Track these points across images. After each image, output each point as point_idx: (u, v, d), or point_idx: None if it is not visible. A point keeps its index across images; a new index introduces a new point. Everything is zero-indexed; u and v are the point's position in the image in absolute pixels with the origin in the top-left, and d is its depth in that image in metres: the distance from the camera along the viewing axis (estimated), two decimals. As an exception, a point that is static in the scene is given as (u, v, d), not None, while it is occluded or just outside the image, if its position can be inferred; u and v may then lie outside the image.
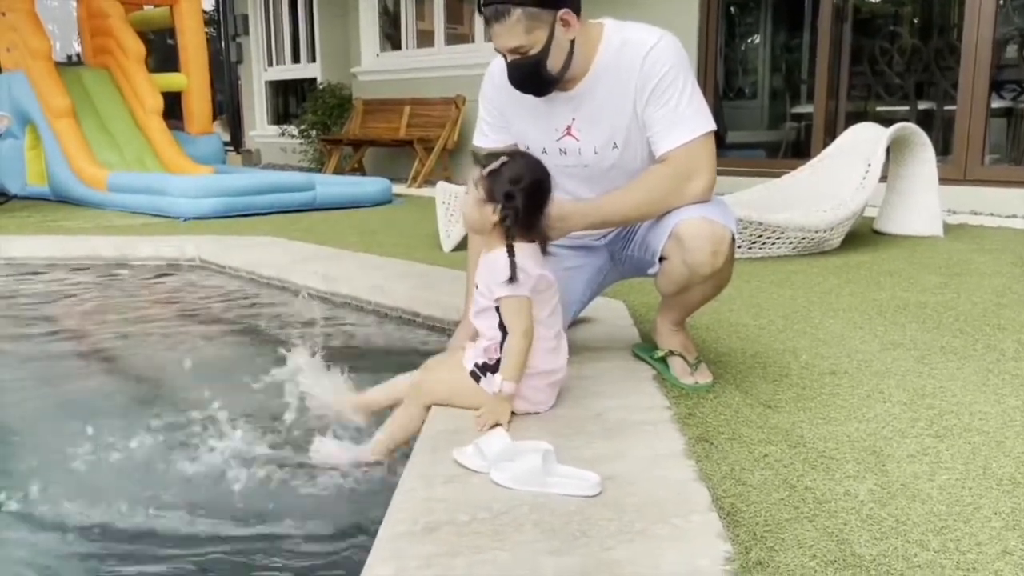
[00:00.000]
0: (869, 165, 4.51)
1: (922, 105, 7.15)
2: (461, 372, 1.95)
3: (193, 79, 8.35)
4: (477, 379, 1.92)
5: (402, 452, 1.96)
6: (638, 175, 2.11)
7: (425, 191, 7.82)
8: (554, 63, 2.02)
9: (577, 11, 2.02)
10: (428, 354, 2.93)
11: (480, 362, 1.93)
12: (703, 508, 1.48)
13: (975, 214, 5.53)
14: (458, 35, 9.12)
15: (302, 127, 9.98)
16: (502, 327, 1.89)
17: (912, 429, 1.92)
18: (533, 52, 2.00)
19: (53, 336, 3.36)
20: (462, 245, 4.49)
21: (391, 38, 9.79)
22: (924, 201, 4.80)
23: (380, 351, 3.02)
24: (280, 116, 11.70)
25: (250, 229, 5.49)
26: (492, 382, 1.88)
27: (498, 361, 1.91)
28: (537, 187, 1.91)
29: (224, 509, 1.86)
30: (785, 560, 1.34)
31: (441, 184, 4.92)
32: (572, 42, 2.03)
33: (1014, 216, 5.43)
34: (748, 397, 2.13)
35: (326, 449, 2.01)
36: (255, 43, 11.63)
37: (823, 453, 1.78)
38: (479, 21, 8.50)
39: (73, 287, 4.21)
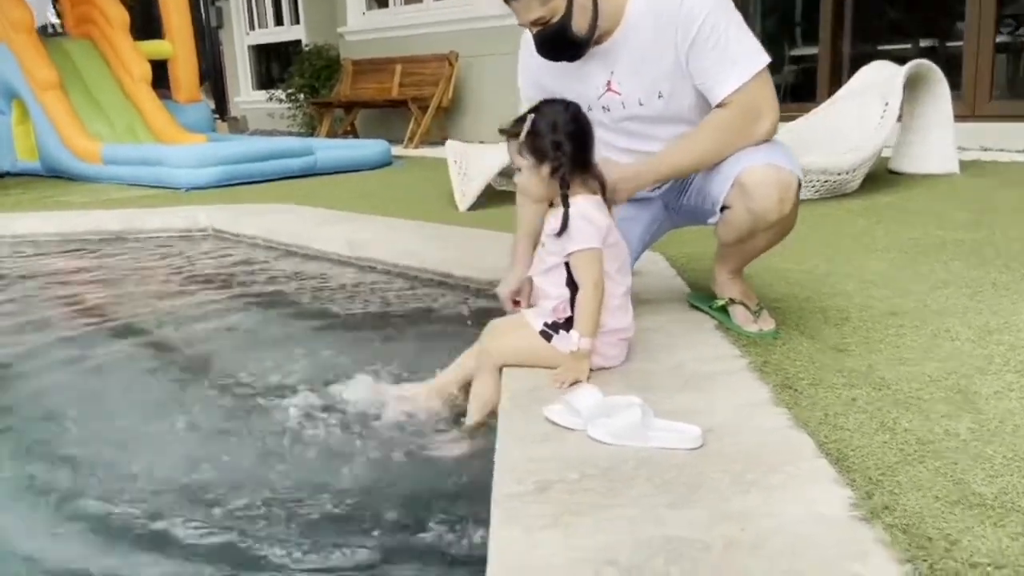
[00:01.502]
0: (887, 104, 4.45)
1: (924, 43, 7.07)
2: (530, 332, 1.91)
3: (178, 46, 8.14)
4: (548, 338, 1.88)
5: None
6: (693, 122, 2.05)
7: (424, 151, 7.72)
8: (579, 25, 1.96)
9: None
10: (471, 315, 2.93)
11: (550, 321, 1.89)
12: (810, 455, 1.45)
13: (985, 150, 5.50)
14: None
15: (289, 91, 9.80)
16: (570, 284, 1.84)
17: (990, 366, 1.90)
18: (555, 19, 1.94)
19: (103, 318, 3.24)
20: (478, 204, 4.43)
21: (377, -4, 9.58)
22: (940, 138, 4.77)
23: (422, 315, 2.97)
24: (265, 81, 11.48)
25: (254, 197, 5.39)
26: (566, 339, 1.83)
27: (568, 319, 1.87)
28: (577, 124, 1.86)
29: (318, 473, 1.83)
30: (909, 503, 1.32)
31: (450, 143, 4.84)
32: (595, 1, 1.96)
33: (1022, 151, 5.41)
34: (816, 342, 2.10)
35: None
36: (235, 7, 11.36)
37: (910, 394, 1.75)
38: (469, -26, 8.32)
39: (99, 262, 4.11)
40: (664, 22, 1.96)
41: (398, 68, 8.53)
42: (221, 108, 12.27)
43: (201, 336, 2.90)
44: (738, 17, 1.97)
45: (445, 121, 8.33)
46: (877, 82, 4.65)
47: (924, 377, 1.85)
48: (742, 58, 1.94)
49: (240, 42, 11.53)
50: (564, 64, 2.06)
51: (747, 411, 1.65)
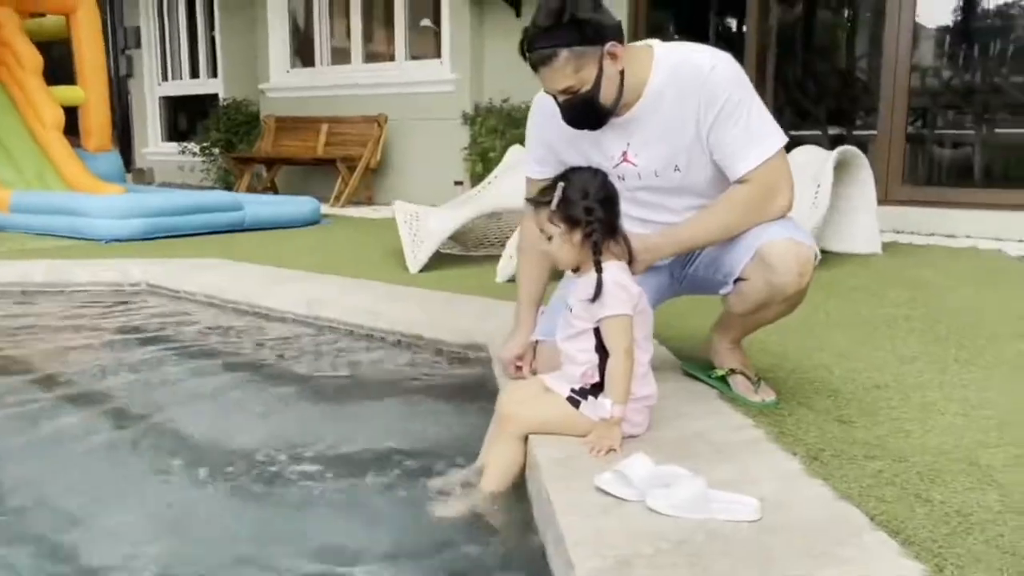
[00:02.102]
0: (819, 186, 4.70)
1: (833, 131, 7.54)
2: (556, 399, 1.88)
3: (91, 92, 7.83)
4: (576, 404, 1.85)
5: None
6: (707, 195, 2.11)
7: (350, 211, 7.63)
8: (606, 96, 2.00)
9: (622, 40, 2.00)
10: (447, 380, 2.87)
11: (577, 387, 1.86)
12: (867, 527, 1.47)
13: (898, 232, 5.85)
14: (374, 53, 8.96)
15: (204, 144, 9.56)
16: (599, 349, 1.83)
17: (988, 439, 1.98)
18: (584, 90, 1.98)
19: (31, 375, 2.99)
20: (429, 267, 4.39)
21: (301, 54, 9.52)
22: (865, 220, 5.05)
23: (395, 380, 2.88)
24: (176, 133, 11.16)
25: (181, 251, 5.17)
26: (597, 406, 1.81)
27: (594, 386, 1.85)
28: (607, 190, 1.89)
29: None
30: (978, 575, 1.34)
31: (399, 204, 4.81)
32: (621, 72, 2.00)
33: (933, 234, 5.78)
34: (818, 414, 2.15)
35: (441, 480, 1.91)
36: (148, 56, 11.07)
37: (930, 467, 1.81)
38: (401, 39, 8.41)
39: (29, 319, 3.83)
40: (686, 95, 2.01)
41: (324, 127, 8.46)
42: (126, 159, 11.82)
43: (170, 404, 2.68)
44: (757, 96, 2.05)
45: (371, 181, 8.28)
46: (808, 165, 4.90)
47: (934, 450, 1.91)
48: (763, 136, 2.01)
49: (151, 93, 11.21)
50: (582, 132, 2.09)
51: (787, 483, 1.66)
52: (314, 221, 6.72)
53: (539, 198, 1.89)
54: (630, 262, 1.90)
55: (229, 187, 9.00)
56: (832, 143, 7.34)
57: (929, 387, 2.40)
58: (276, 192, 8.79)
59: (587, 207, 1.83)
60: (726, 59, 2.04)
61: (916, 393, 2.34)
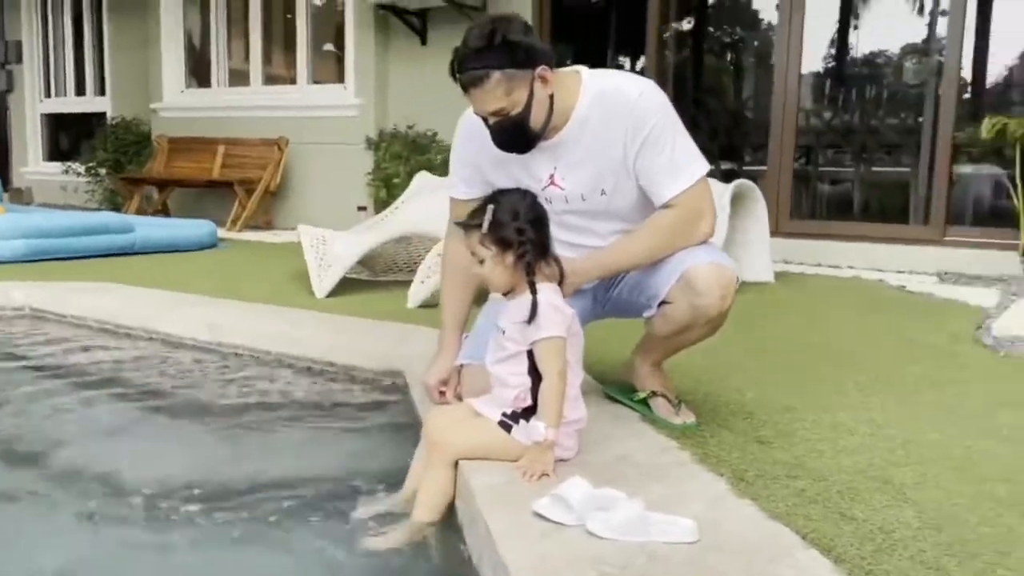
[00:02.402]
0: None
1: (725, 166, 7.84)
2: (487, 423, 1.85)
3: (-32, 106, 7.37)
4: (508, 428, 1.83)
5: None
6: (631, 220, 2.14)
7: (248, 235, 7.41)
8: (536, 120, 2.02)
9: (552, 65, 2.03)
10: (364, 407, 2.80)
11: (509, 411, 1.84)
12: (799, 545, 1.51)
13: (787, 263, 6.10)
14: (274, 76, 8.79)
15: (90, 164, 9.12)
16: (531, 372, 1.82)
17: (895, 458, 2.07)
18: (515, 112, 1.99)
19: None
20: (336, 292, 4.29)
21: (197, 74, 9.24)
22: (759, 251, 5.25)
23: (308, 408, 2.78)
24: (59, 152, 10.61)
25: (67, 275, 4.88)
26: (530, 430, 1.80)
27: (526, 409, 1.84)
28: (536, 211, 1.90)
29: None
30: (907, 589, 1.39)
31: (304, 228, 4.69)
32: (551, 96, 2.03)
33: (819, 265, 6.06)
34: (737, 435, 2.20)
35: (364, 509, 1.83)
36: (30, 72, 10.51)
37: (848, 485, 1.87)
38: (304, 62, 8.28)
39: None
40: (614, 120, 2.04)
41: (221, 149, 8.22)
42: (3, 178, 11.16)
43: (61, 438, 2.49)
44: (680, 123, 2.10)
45: (270, 205, 8.07)
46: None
47: (849, 468, 1.98)
48: (687, 163, 2.06)
49: (32, 110, 10.64)
50: (511, 154, 2.09)
51: (718, 503, 1.68)
52: (211, 245, 6.48)
53: (469, 221, 1.88)
54: (560, 284, 1.90)
55: (116, 209, 8.60)
56: (725, 177, 7.66)
57: (836, 408, 2.49)
58: (168, 215, 8.46)
59: (518, 228, 1.83)
60: (652, 87, 2.09)
61: (825, 414, 2.42)
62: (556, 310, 1.79)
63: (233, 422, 2.67)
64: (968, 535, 1.63)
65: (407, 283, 4.24)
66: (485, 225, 1.83)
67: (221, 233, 7.08)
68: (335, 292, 4.29)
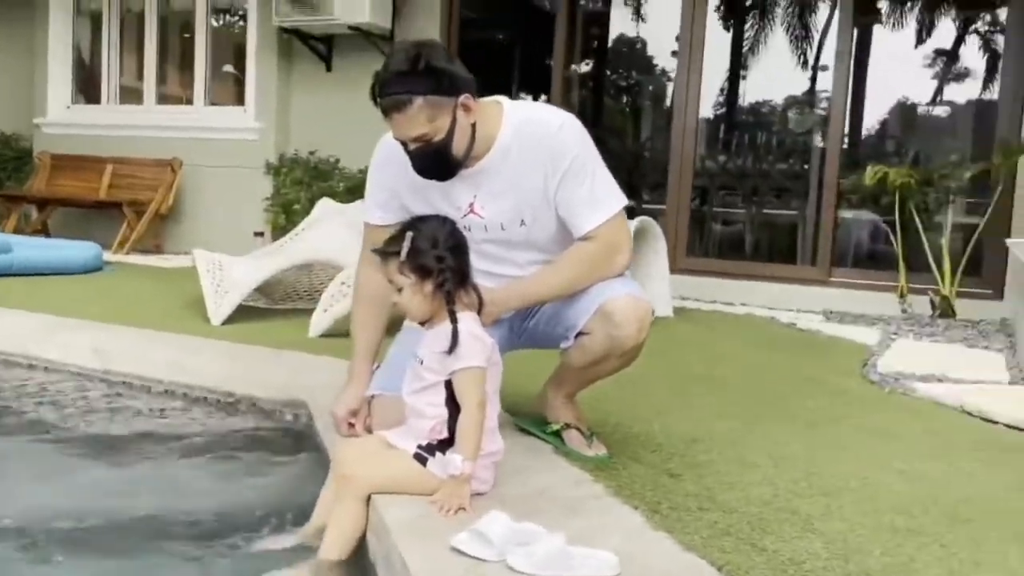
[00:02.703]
0: (622, 252, 4.95)
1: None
2: (401, 456, 1.80)
3: None
4: (423, 461, 1.79)
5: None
6: (550, 251, 2.15)
7: (136, 258, 7.08)
8: (458, 147, 2.01)
9: (475, 94, 2.03)
10: (264, 438, 2.69)
11: (424, 443, 1.80)
12: (717, 576, 1.51)
13: (683, 299, 6.27)
14: (169, 95, 8.50)
15: (-38, 180, 8.57)
16: (449, 403, 1.79)
17: (798, 488, 2.13)
18: (437, 139, 1.97)
19: None
20: (232, 318, 4.13)
21: (85, 90, 8.84)
22: (659, 286, 5.37)
23: (205, 440, 2.65)
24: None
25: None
26: (446, 463, 1.76)
27: (442, 441, 1.80)
28: (455, 239, 1.89)
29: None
30: (822, 618, 1.41)
31: (199, 252, 4.52)
32: (473, 125, 2.03)
33: (714, 301, 6.25)
34: (648, 467, 2.21)
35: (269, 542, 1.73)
36: None
37: (757, 516, 1.90)
38: (201, 83, 8.04)
39: None
40: (535, 151, 2.05)
41: (108, 168, 7.85)
42: None
43: None
44: (599, 156, 2.13)
45: (161, 228, 7.75)
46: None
47: (757, 500, 2.02)
48: (607, 196, 2.08)
49: None
50: (431, 182, 2.06)
51: (635, 536, 1.69)
52: (96, 268, 6.15)
53: (387, 248, 1.84)
54: (478, 313, 1.88)
55: (-8, 227, 8.09)
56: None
57: (740, 441, 2.54)
58: (48, 235, 8.00)
59: (438, 256, 1.81)
60: (572, 119, 2.11)
61: (730, 448, 2.47)
62: (477, 339, 1.77)
63: (122, 454, 2.51)
64: (873, 565, 1.68)
65: (308, 311, 4.13)
66: (404, 253, 1.80)
67: (107, 256, 6.75)
68: (232, 320, 4.13)
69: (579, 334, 2.11)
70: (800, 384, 3.48)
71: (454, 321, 1.76)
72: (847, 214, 6.75)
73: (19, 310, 4.09)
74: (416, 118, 1.91)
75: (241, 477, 2.35)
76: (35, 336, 3.46)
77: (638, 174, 8.36)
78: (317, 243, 4.63)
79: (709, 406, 2.99)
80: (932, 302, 5.24)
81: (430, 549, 1.52)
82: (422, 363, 1.82)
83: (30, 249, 5.84)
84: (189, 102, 8.14)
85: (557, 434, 2.28)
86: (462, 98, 1.96)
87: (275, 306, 4.66)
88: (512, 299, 2.07)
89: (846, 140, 6.91)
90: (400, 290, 1.82)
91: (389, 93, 1.90)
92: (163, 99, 8.43)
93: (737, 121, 8.27)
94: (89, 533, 1.91)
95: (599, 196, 2.08)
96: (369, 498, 1.78)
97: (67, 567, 1.78)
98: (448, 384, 1.78)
